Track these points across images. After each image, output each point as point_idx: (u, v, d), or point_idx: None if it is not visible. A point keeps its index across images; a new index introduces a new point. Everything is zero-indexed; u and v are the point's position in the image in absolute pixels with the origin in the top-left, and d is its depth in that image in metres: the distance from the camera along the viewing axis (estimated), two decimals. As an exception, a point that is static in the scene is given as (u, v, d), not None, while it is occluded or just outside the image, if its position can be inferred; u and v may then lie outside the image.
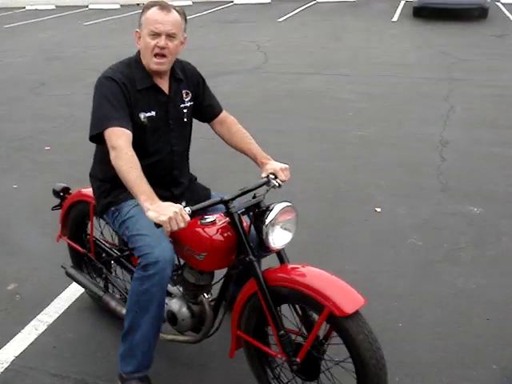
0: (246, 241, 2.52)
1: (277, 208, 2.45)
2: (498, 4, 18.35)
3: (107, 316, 3.44)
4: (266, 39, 12.72)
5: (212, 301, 2.84)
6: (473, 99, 7.93)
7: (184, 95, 2.85)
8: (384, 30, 14.21)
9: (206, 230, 2.56)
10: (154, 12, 2.62)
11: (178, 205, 2.32)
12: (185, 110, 2.86)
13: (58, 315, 3.49)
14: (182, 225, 2.28)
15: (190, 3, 21.44)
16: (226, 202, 2.49)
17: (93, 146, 2.85)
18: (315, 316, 2.47)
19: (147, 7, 2.66)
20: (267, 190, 2.66)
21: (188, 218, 2.31)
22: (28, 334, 3.33)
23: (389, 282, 3.69)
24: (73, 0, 21.60)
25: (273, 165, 2.75)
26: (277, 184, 2.68)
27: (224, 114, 3.03)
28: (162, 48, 2.61)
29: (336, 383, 2.64)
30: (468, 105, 7.68)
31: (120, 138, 2.51)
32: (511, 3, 18.16)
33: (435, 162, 5.77)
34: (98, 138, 2.61)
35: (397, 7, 18.11)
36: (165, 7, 2.62)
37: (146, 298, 2.61)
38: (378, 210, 4.76)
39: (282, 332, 2.49)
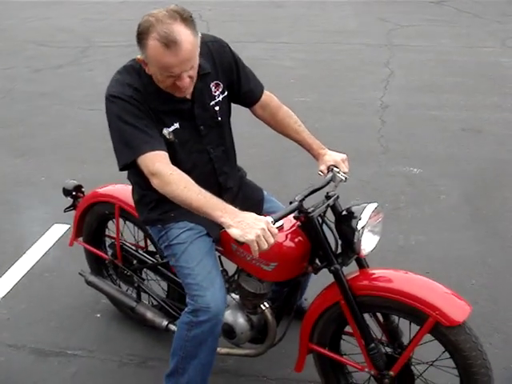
0: (330, 248, 2.27)
1: (368, 210, 2.19)
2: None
3: (58, 286, 3.50)
4: (207, 8, 12.57)
5: (272, 308, 2.55)
6: (412, 64, 8.10)
7: (213, 89, 2.37)
8: (325, -3, 14.27)
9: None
10: (159, 52, 2.02)
11: (263, 217, 1.99)
12: (216, 108, 2.39)
13: (9, 288, 3.52)
14: (272, 241, 1.95)
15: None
16: (301, 205, 2.19)
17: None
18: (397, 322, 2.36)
19: (144, 36, 2.04)
20: (336, 186, 2.42)
21: (276, 232, 1.98)
22: (-20, 307, 3.35)
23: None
24: (6, -30, 20.81)
25: (332, 156, 2.49)
26: (343, 178, 2.43)
27: (266, 96, 2.61)
28: (185, 86, 2.16)
29: None
30: (407, 70, 7.85)
31: (158, 162, 2.13)
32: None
33: (376, 126, 5.93)
34: (128, 165, 2.24)
35: (337, -26, 18.18)
36: (170, 40, 1.99)
37: (194, 344, 2.34)
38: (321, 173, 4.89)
39: (373, 345, 2.25)
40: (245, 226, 1.94)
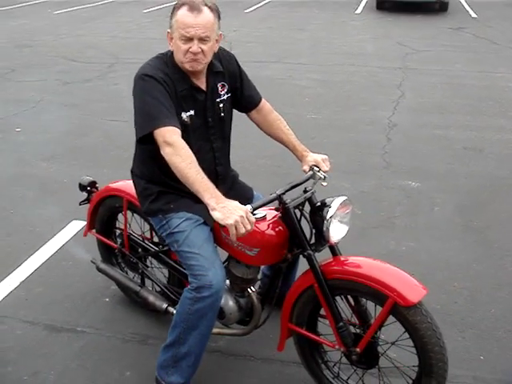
0: (304, 235, 2.55)
1: (337, 202, 2.47)
2: (459, -2, 18.93)
3: (73, 273, 3.83)
4: (232, 29, 13.02)
5: (258, 293, 2.85)
6: (423, 87, 8.40)
7: (220, 88, 2.74)
8: (347, 21, 14.64)
9: (259, 225, 2.51)
10: (183, 14, 2.46)
11: (244, 206, 2.28)
12: (221, 105, 2.74)
13: (29, 273, 3.85)
14: (249, 228, 2.24)
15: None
16: (280, 197, 2.49)
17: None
18: (366, 305, 2.59)
19: (177, 7, 2.51)
20: (314, 183, 2.73)
21: (253, 220, 2.28)
22: (2, 289, 3.68)
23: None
24: (42, -11, 21.58)
25: (313, 156, 2.79)
26: (322, 176, 2.72)
27: (262, 103, 2.95)
28: (196, 53, 2.50)
29: (395, 363, 2.71)
30: (418, 92, 8.15)
31: (175, 135, 2.43)
32: (471, -3, 18.75)
33: (381, 143, 6.22)
34: (145, 137, 2.51)
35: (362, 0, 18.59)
36: (195, 7, 2.45)
37: (196, 317, 2.58)
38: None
39: (341, 324, 2.53)
40: (226, 211, 2.24)
